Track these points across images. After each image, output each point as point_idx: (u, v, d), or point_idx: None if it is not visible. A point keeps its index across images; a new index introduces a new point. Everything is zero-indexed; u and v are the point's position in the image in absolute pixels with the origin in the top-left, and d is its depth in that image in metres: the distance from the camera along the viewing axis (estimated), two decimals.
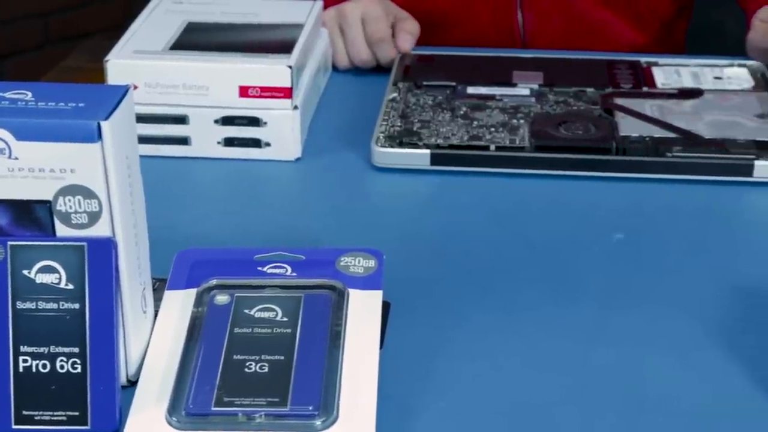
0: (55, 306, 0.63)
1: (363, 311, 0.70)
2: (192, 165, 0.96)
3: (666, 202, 0.90)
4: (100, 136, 0.62)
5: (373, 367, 0.66)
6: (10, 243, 0.63)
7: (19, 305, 0.63)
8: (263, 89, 0.94)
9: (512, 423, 0.65)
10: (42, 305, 0.63)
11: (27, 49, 2.44)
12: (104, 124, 0.61)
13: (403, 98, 1.03)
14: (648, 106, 1.01)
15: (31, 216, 0.63)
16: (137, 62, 0.94)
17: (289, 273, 0.72)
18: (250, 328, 0.68)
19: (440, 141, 0.95)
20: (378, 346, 0.67)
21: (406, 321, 0.74)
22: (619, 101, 1.02)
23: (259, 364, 0.65)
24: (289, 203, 0.92)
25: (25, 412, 0.63)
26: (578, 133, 0.96)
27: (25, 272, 0.63)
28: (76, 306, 0.63)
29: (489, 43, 1.23)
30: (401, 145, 0.95)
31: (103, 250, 0.64)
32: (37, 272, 0.63)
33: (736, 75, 1.08)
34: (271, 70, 0.94)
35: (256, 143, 0.96)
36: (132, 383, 0.66)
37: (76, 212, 0.63)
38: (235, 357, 0.66)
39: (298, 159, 0.96)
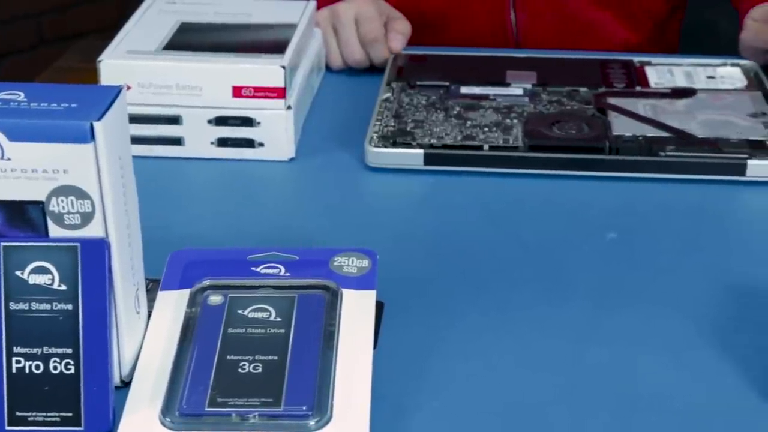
0: (48, 307, 0.63)
1: (356, 311, 0.70)
2: (185, 165, 0.96)
3: (659, 202, 0.90)
4: (92, 137, 0.61)
5: (366, 367, 0.66)
6: (3, 244, 0.63)
7: (12, 306, 0.63)
8: (257, 89, 0.94)
9: (506, 422, 0.65)
10: (35, 306, 0.63)
11: (21, 49, 2.44)
12: (97, 125, 0.61)
13: (397, 98, 1.03)
14: (641, 106, 1.01)
15: (24, 217, 0.63)
16: (130, 62, 0.94)
17: (282, 273, 0.72)
18: (243, 328, 0.68)
19: (434, 141, 0.95)
20: (371, 346, 0.67)
21: (400, 321, 0.74)
22: (612, 101, 1.02)
23: (252, 365, 0.65)
24: (283, 203, 0.92)
25: (18, 413, 0.63)
26: (571, 133, 0.96)
27: (18, 273, 0.63)
28: (70, 307, 0.63)
29: (482, 43, 1.23)
30: (395, 145, 0.95)
31: (97, 251, 0.63)
32: (30, 273, 0.63)
33: (729, 74, 1.08)
34: (265, 71, 0.94)
35: (249, 143, 0.96)
36: (125, 384, 0.66)
37: (69, 213, 0.63)
38: (228, 357, 0.66)
39: (291, 159, 0.96)
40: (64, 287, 0.63)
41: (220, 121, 0.95)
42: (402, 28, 1.13)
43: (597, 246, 0.83)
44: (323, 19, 1.12)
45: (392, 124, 0.98)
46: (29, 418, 0.63)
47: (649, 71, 1.08)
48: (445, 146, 0.95)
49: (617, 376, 0.69)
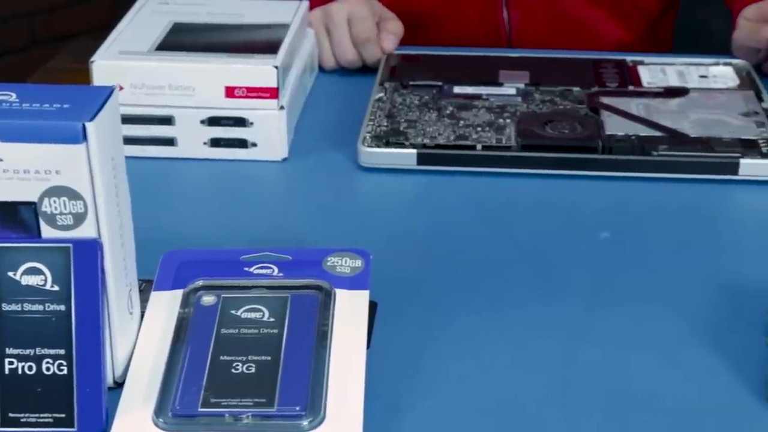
0: (40, 308, 0.63)
1: (350, 311, 0.70)
2: (178, 166, 0.95)
3: (652, 201, 0.90)
4: (85, 137, 0.61)
5: (360, 367, 0.66)
6: None
7: (5, 307, 0.63)
8: (249, 89, 0.94)
9: (499, 421, 0.65)
10: (28, 307, 0.63)
11: (13, 50, 2.44)
12: (89, 125, 0.61)
13: (390, 98, 1.03)
14: (634, 105, 1.01)
15: (17, 217, 0.63)
16: (123, 63, 0.94)
17: (275, 273, 0.72)
18: (236, 328, 0.68)
19: (427, 141, 0.95)
20: (365, 346, 0.67)
21: (393, 321, 0.74)
22: (605, 100, 1.02)
23: (245, 365, 0.65)
24: (276, 203, 0.92)
25: (11, 415, 0.63)
26: (564, 132, 0.96)
27: (11, 274, 0.63)
28: (62, 307, 0.63)
29: (475, 42, 1.23)
30: (388, 145, 0.95)
31: (89, 252, 0.63)
32: (23, 274, 0.63)
33: (722, 73, 1.08)
34: (257, 71, 0.94)
35: (242, 144, 0.95)
36: (118, 385, 0.66)
37: (61, 213, 0.63)
38: (221, 358, 0.66)
39: (284, 159, 0.96)
40: (56, 288, 0.63)
41: (213, 121, 0.95)
42: (394, 28, 1.13)
43: (590, 245, 0.84)
44: (316, 19, 1.12)
45: (385, 124, 0.98)
46: (22, 419, 0.63)
47: (642, 70, 1.09)
48: (437, 146, 0.95)
49: (610, 375, 0.69)
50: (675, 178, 0.92)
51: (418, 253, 0.83)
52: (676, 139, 0.95)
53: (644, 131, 0.96)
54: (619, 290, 0.78)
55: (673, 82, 1.06)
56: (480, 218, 0.87)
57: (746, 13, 1.13)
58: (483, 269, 0.80)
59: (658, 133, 0.96)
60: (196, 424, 0.62)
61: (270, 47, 0.97)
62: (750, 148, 0.94)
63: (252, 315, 0.69)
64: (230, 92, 0.94)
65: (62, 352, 0.63)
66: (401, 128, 0.97)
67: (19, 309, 0.63)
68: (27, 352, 0.63)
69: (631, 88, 1.05)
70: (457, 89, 1.04)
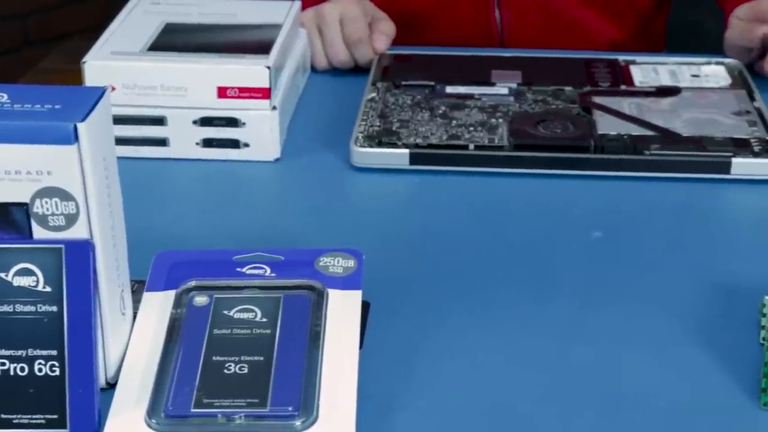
0: (32, 309, 0.63)
1: (342, 311, 0.70)
2: (170, 166, 0.95)
3: (644, 200, 0.90)
4: (76, 138, 0.61)
5: (352, 367, 0.66)
6: None
7: None
8: (241, 90, 0.94)
9: (491, 421, 0.65)
10: (19, 308, 0.63)
11: (5, 50, 2.43)
12: (81, 126, 0.61)
13: (382, 98, 1.03)
14: (626, 105, 1.01)
15: (8, 218, 0.63)
16: (115, 63, 0.94)
17: (268, 274, 0.72)
18: (229, 329, 0.68)
19: (419, 140, 0.95)
20: (357, 346, 0.67)
21: (386, 321, 0.74)
22: (598, 99, 1.02)
23: (238, 365, 0.65)
24: (268, 204, 0.92)
25: (3, 416, 0.62)
26: (557, 132, 0.96)
27: (2, 275, 0.63)
28: (54, 309, 0.63)
29: (467, 42, 1.23)
30: (380, 144, 0.95)
31: (81, 253, 0.63)
32: (15, 275, 0.63)
33: (714, 73, 1.08)
34: (250, 71, 0.94)
35: (234, 144, 0.95)
36: (111, 386, 0.66)
37: (53, 214, 0.63)
38: (214, 358, 0.66)
39: (277, 159, 0.96)
40: (48, 289, 0.63)
41: (205, 121, 0.95)
42: (386, 28, 1.13)
43: (582, 245, 0.84)
44: (308, 19, 1.12)
45: (377, 123, 0.98)
46: (14, 421, 0.62)
47: (634, 70, 1.09)
48: (430, 146, 0.95)
49: (603, 374, 0.69)
50: (667, 178, 0.92)
51: (410, 253, 0.83)
52: (668, 138, 0.95)
53: (636, 131, 0.96)
54: (611, 289, 0.78)
55: (665, 81, 1.06)
56: (473, 218, 0.87)
57: (738, 12, 1.13)
58: (476, 269, 0.80)
59: (650, 133, 0.96)
60: (189, 424, 0.62)
61: (262, 47, 0.97)
62: (742, 147, 0.94)
63: (244, 315, 0.69)
64: (222, 92, 0.94)
65: (54, 353, 0.63)
66: (394, 128, 0.97)
67: (11, 310, 0.63)
68: (19, 353, 0.63)
69: (623, 87, 1.05)
70: (449, 89, 1.04)
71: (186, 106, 0.94)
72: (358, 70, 1.12)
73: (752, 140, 0.95)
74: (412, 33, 1.23)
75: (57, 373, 0.63)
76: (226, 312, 0.69)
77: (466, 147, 0.94)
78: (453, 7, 1.26)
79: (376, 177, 0.93)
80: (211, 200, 0.92)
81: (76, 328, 0.63)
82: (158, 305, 0.70)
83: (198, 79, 0.94)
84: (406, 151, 0.94)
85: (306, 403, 0.63)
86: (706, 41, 1.30)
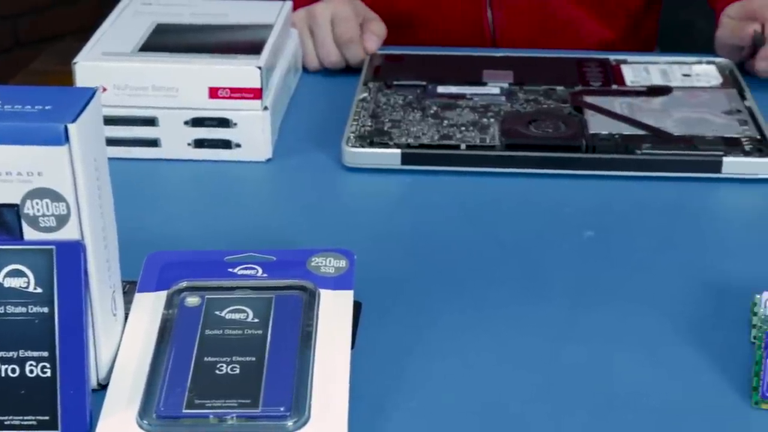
0: (23, 310, 0.63)
1: (334, 311, 0.70)
2: (162, 167, 0.95)
3: (635, 199, 0.90)
4: (67, 139, 0.61)
5: (344, 368, 0.66)
6: None
7: None
8: (233, 90, 0.94)
9: (483, 420, 0.65)
10: (10, 309, 0.63)
11: None
12: (71, 127, 0.61)
13: (374, 98, 1.03)
14: (617, 104, 1.01)
15: None
16: (106, 64, 0.94)
17: (259, 274, 0.72)
18: (221, 329, 0.68)
19: (411, 140, 0.95)
20: (349, 346, 0.67)
21: (378, 321, 0.74)
22: (589, 99, 1.02)
23: (230, 366, 0.65)
24: (260, 204, 0.92)
25: None
26: (548, 132, 0.96)
27: None
28: (45, 310, 0.63)
29: (459, 41, 1.23)
30: (372, 144, 0.95)
31: (72, 254, 0.63)
32: (6, 276, 0.63)
33: (705, 72, 1.09)
34: (241, 71, 0.94)
35: (226, 144, 0.95)
36: (102, 387, 0.66)
37: (44, 215, 0.63)
38: (206, 359, 0.66)
39: (268, 160, 0.96)
40: (39, 290, 0.63)
41: (197, 122, 0.95)
42: (377, 29, 1.13)
43: (574, 244, 0.84)
44: (299, 20, 1.12)
45: (369, 124, 0.98)
46: (6, 422, 0.62)
47: (625, 69, 1.09)
48: (422, 146, 0.95)
49: (594, 373, 0.69)
50: (658, 177, 0.92)
51: (402, 253, 0.83)
52: (659, 137, 0.95)
53: (628, 130, 0.97)
54: (603, 289, 0.78)
55: (657, 80, 1.07)
56: (464, 218, 0.87)
57: (729, 11, 1.13)
58: (467, 268, 0.80)
59: (641, 132, 0.96)
60: (181, 425, 0.62)
61: (253, 48, 0.97)
62: (733, 146, 0.94)
63: (236, 316, 0.69)
64: (214, 93, 0.94)
65: (45, 354, 0.63)
66: (385, 128, 0.97)
67: (2, 311, 0.63)
68: (10, 354, 0.63)
69: (614, 87, 1.05)
70: (441, 89, 1.05)
71: (177, 107, 0.94)
72: (350, 70, 1.12)
73: (743, 139, 0.95)
74: (404, 33, 1.23)
75: (48, 374, 0.63)
76: (217, 312, 0.69)
77: (457, 147, 0.94)
78: (445, 6, 1.26)
79: (367, 177, 0.93)
80: (203, 201, 0.92)
81: (68, 329, 0.63)
82: (150, 306, 0.70)
83: (189, 80, 0.94)
84: (398, 151, 0.94)
85: (298, 403, 0.63)
86: (698, 41, 1.30)
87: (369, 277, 0.76)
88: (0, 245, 0.63)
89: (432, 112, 1.00)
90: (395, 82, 1.06)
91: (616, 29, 1.29)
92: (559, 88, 1.05)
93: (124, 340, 0.68)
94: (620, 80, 1.07)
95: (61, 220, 0.63)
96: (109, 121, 0.91)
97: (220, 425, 0.62)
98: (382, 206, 0.91)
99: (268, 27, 1.02)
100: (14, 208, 0.63)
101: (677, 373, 0.69)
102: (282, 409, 0.62)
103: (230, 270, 0.72)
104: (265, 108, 0.95)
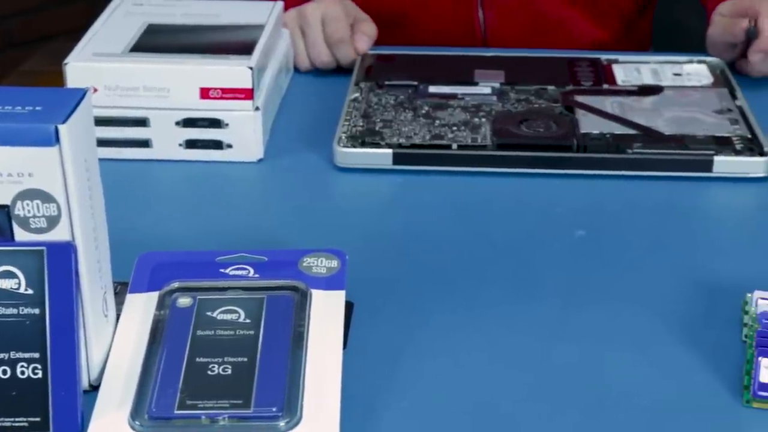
0: (14, 311, 0.63)
1: (326, 312, 0.70)
2: (154, 167, 0.95)
3: (627, 199, 0.90)
4: (57, 140, 0.61)
5: (336, 368, 0.66)
6: None
7: None
8: (224, 91, 0.94)
9: (475, 420, 0.65)
10: (1, 311, 0.63)
11: None
12: (62, 128, 0.61)
13: (365, 98, 1.03)
14: (608, 103, 1.01)
15: None
16: (97, 65, 0.94)
17: (251, 274, 0.72)
18: (212, 330, 0.68)
19: (402, 140, 0.95)
20: (341, 346, 0.67)
21: (370, 321, 0.74)
22: (580, 99, 1.02)
23: (222, 367, 0.65)
24: (252, 204, 0.92)
25: None
26: (539, 131, 0.96)
27: None
28: (36, 311, 0.63)
29: (450, 41, 1.23)
30: (363, 144, 0.95)
31: (63, 255, 0.63)
32: None
33: (696, 71, 1.09)
34: (232, 72, 0.94)
35: (217, 145, 0.95)
36: (94, 388, 0.66)
37: (34, 216, 0.63)
38: (197, 359, 0.66)
39: (260, 160, 0.96)
40: (30, 291, 0.63)
41: (188, 122, 0.95)
42: (368, 29, 1.13)
43: (565, 243, 0.84)
44: (291, 20, 1.12)
45: (361, 124, 0.98)
46: None
47: (617, 69, 1.09)
48: (413, 146, 0.95)
49: (586, 373, 0.69)
50: (650, 176, 0.93)
51: (394, 253, 0.83)
52: (650, 137, 0.95)
53: (619, 129, 0.97)
54: (594, 288, 0.78)
55: (648, 80, 1.07)
56: (456, 217, 0.88)
57: (721, 9, 1.13)
58: (459, 268, 0.80)
59: (632, 131, 0.96)
60: (173, 426, 0.62)
61: (245, 48, 0.97)
62: (724, 145, 0.94)
63: (228, 316, 0.69)
64: (205, 93, 0.94)
65: (37, 355, 0.63)
66: (377, 128, 0.97)
67: None
68: (1, 355, 0.63)
69: (605, 86, 1.06)
70: (432, 89, 1.05)
71: (168, 107, 0.94)
72: (341, 70, 1.12)
73: (734, 138, 0.95)
74: (395, 32, 1.23)
75: (39, 375, 0.63)
76: (209, 313, 0.69)
77: (449, 147, 0.94)
78: (436, 6, 1.26)
79: (359, 177, 0.93)
80: (195, 201, 0.92)
81: (59, 331, 0.63)
82: (141, 307, 0.70)
83: (180, 80, 0.94)
84: (389, 151, 0.94)
85: (290, 403, 0.63)
86: (691, 41, 1.30)
87: (361, 277, 0.76)
88: None
89: (423, 112, 1.00)
90: (386, 82, 1.06)
91: (608, 30, 1.29)
92: (550, 87, 1.05)
93: (116, 341, 0.68)
94: (611, 80, 1.07)
95: (52, 221, 0.63)
96: (100, 121, 0.91)
97: (212, 426, 0.62)
98: (374, 206, 0.91)
99: (260, 27, 1.02)
100: (5, 209, 0.63)
101: (669, 372, 0.69)
102: (274, 409, 0.62)
103: (222, 270, 0.72)
104: (257, 108, 0.95)
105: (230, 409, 0.63)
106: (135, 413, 0.63)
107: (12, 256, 0.63)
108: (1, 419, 0.62)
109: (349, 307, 0.73)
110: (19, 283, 0.63)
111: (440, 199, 0.90)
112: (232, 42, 0.99)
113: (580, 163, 0.93)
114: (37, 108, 0.62)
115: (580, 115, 0.99)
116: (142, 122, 0.95)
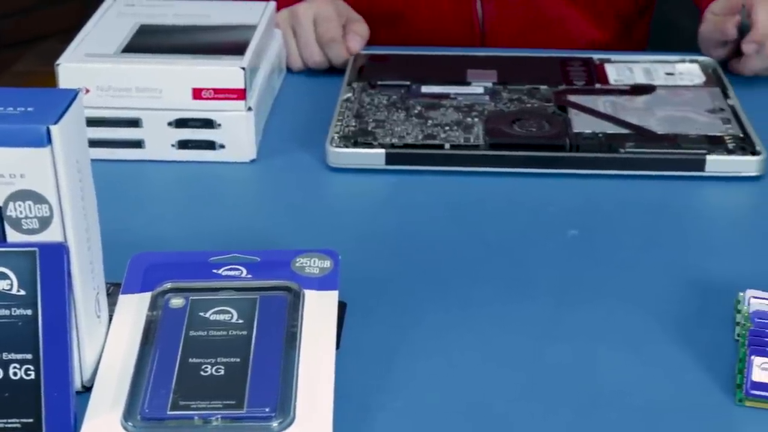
0: (7, 312, 0.63)
1: (319, 312, 0.70)
2: (146, 168, 0.95)
3: (619, 198, 0.90)
4: (49, 141, 0.61)
5: (329, 368, 0.66)
6: None
7: None
8: (217, 91, 0.94)
9: (468, 419, 0.65)
10: None
11: None
12: (54, 129, 0.61)
13: (358, 98, 1.03)
14: (601, 103, 1.01)
15: None
16: (89, 65, 0.94)
17: (244, 275, 0.72)
18: (205, 330, 0.68)
19: (395, 140, 0.95)
20: (334, 346, 0.67)
21: (362, 321, 0.74)
22: (573, 98, 1.02)
23: (215, 367, 0.65)
24: (244, 205, 0.92)
25: None
26: (532, 131, 0.96)
27: None
28: (29, 312, 0.63)
29: (447, 36, 1.23)
30: (356, 145, 0.95)
31: (55, 256, 0.63)
32: None
33: (688, 71, 1.09)
34: (224, 72, 0.94)
35: (210, 145, 0.95)
36: (87, 389, 0.66)
37: (26, 217, 0.63)
38: (190, 360, 0.66)
39: (252, 160, 0.96)
40: (22, 292, 0.63)
41: (181, 123, 0.95)
42: (360, 29, 1.13)
43: (558, 243, 0.84)
44: (283, 20, 1.12)
45: (353, 124, 0.98)
46: None
47: (609, 68, 1.09)
48: (406, 145, 0.95)
49: (579, 372, 0.69)
50: (642, 175, 0.93)
51: (387, 253, 0.83)
52: (642, 136, 0.96)
53: (611, 129, 0.97)
54: (587, 288, 0.78)
55: (640, 79, 1.07)
56: (449, 217, 0.88)
57: (713, 7, 1.13)
58: (452, 268, 0.80)
59: (625, 131, 0.96)
60: (165, 427, 0.62)
61: (237, 48, 0.97)
62: (716, 144, 0.94)
63: (221, 317, 0.69)
64: (197, 94, 0.94)
65: (29, 356, 0.63)
66: (369, 128, 0.97)
67: None
68: None
69: (598, 86, 1.06)
70: (425, 89, 1.05)
71: (161, 108, 0.94)
72: (334, 70, 1.12)
73: (726, 137, 0.95)
74: (392, 27, 1.23)
75: (32, 376, 0.63)
76: (202, 314, 0.69)
77: (441, 146, 0.94)
78: (434, 1, 1.25)
79: (352, 177, 0.93)
80: (187, 202, 0.92)
81: (51, 332, 0.63)
82: (134, 307, 0.70)
83: (173, 81, 0.94)
84: (382, 151, 0.94)
85: (283, 404, 0.63)
86: (686, 42, 1.31)
87: (354, 277, 0.76)
88: None
89: (416, 111, 1.00)
90: (379, 82, 1.06)
91: (606, 31, 1.28)
92: (543, 87, 1.05)
93: (109, 341, 0.68)
94: (604, 79, 1.07)
95: (44, 222, 0.63)
96: (93, 122, 0.91)
97: (205, 427, 0.62)
98: (367, 206, 0.91)
99: (252, 28, 1.02)
100: None
101: (662, 371, 0.69)
102: (267, 410, 0.62)
103: (215, 271, 0.72)
104: (249, 109, 0.95)
105: (223, 410, 0.63)
106: (128, 414, 0.63)
107: (4, 257, 0.63)
108: None
109: (342, 307, 0.73)
110: (12, 284, 0.63)
111: (433, 198, 0.90)
112: (225, 42, 0.99)
113: (573, 162, 0.93)
114: (29, 109, 0.62)
115: (573, 114, 0.99)
116: (134, 123, 0.95)
